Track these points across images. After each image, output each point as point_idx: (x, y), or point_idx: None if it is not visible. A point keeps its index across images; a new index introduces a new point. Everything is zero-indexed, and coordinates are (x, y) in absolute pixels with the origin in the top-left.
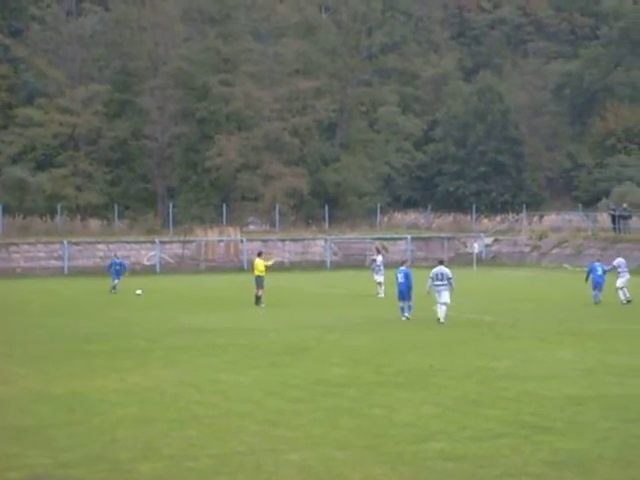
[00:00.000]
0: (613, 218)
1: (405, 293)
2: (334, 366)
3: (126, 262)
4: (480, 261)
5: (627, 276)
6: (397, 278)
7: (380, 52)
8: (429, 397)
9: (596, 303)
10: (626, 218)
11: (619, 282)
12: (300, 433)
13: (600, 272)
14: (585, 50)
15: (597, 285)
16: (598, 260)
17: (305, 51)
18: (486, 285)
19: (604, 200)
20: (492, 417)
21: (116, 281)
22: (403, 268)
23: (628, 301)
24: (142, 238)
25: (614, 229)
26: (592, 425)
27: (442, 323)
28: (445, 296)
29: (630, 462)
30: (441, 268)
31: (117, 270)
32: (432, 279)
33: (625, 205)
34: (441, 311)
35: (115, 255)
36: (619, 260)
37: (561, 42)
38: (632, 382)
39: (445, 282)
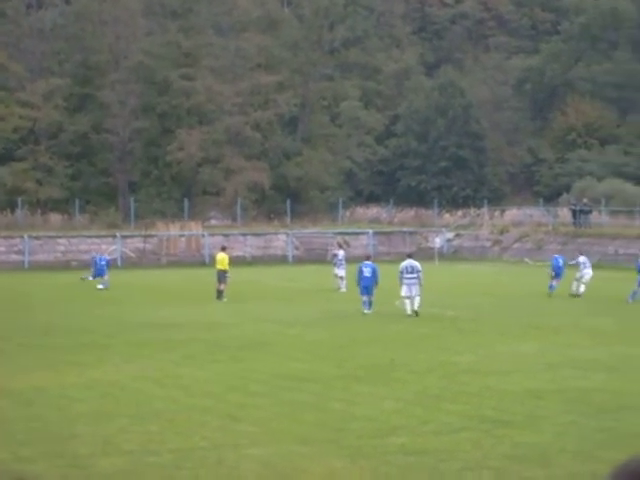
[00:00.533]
0: (573, 213)
1: (370, 288)
2: (295, 360)
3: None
4: (442, 256)
5: (590, 272)
6: (362, 272)
7: (342, 47)
8: (391, 391)
9: (550, 294)
10: (586, 213)
11: (579, 274)
12: (261, 428)
13: (561, 263)
14: (546, 45)
15: (557, 276)
16: (559, 253)
17: (267, 45)
18: (448, 280)
19: (565, 195)
20: (453, 411)
21: (99, 277)
22: (369, 262)
23: (577, 295)
24: (103, 232)
25: (574, 224)
26: (553, 419)
27: (416, 314)
28: (416, 289)
29: (590, 455)
30: (410, 261)
31: (102, 267)
32: (402, 272)
33: (585, 200)
34: (415, 303)
35: (97, 252)
36: (584, 257)
37: (522, 37)
38: (593, 376)
39: (415, 275)
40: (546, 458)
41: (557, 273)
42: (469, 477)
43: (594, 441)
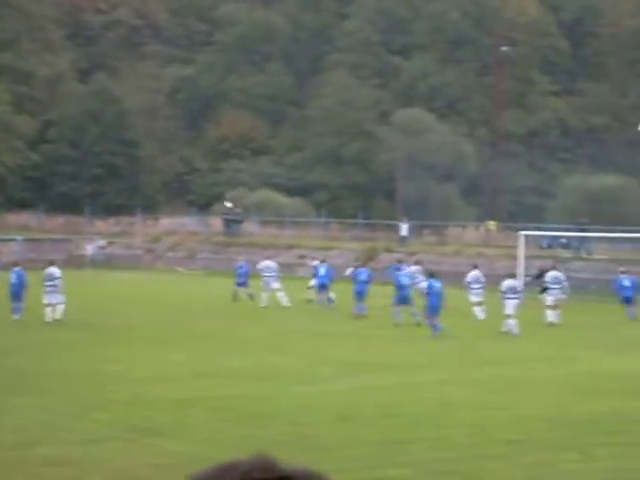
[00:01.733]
0: (225, 222)
1: (17, 294)
2: None
3: None
4: (94, 263)
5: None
6: (10, 279)
7: None
8: (38, 401)
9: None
10: (238, 222)
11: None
12: None
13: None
14: (200, 55)
15: (242, 284)
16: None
17: None
18: (100, 288)
19: (218, 204)
20: (101, 421)
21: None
22: (17, 269)
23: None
24: None
25: (226, 233)
26: (200, 427)
27: (60, 320)
28: (55, 297)
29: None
30: (51, 269)
31: None
32: (44, 280)
33: (238, 210)
34: (57, 311)
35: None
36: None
37: (177, 46)
38: (240, 384)
39: (54, 283)
40: (192, 466)
41: (243, 281)
42: None
43: (239, 448)
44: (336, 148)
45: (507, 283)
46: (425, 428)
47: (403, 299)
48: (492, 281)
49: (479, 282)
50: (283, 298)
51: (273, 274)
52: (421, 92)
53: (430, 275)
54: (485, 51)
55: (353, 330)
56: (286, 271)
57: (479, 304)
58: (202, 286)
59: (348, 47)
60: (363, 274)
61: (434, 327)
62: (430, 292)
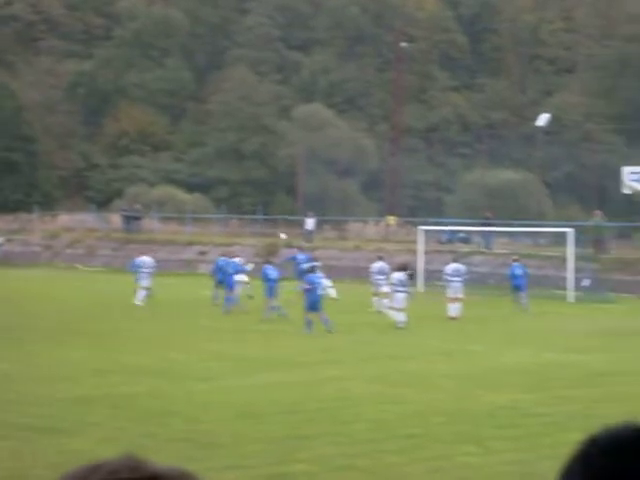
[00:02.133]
0: (125, 219)
1: None
2: None
3: None
4: None
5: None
6: None
7: None
8: None
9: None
10: (138, 219)
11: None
12: None
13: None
14: (98, 50)
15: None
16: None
17: None
18: None
19: (117, 201)
20: None
21: None
22: None
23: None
24: None
25: (126, 230)
26: (100, 425)
27: None
28: None
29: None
30: None
31: None
32: None
33: (138, 206)
34: None
35: None
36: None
37: (74, 41)
38: (140, 381)
39: None
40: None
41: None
42: None
43: (138, 446)
44: (236, 143)
45: (396, 276)
46: (325, 424)
47: (271, 292)
48: None
49: (383, 273)
50: (142, 295)
51: (148, 270)
52: (321, 87)
53: (310, 270)
54: (385, 47)
55: (252, 327)
56: (187, 268)
57: (383, 296)
58: (102, 283)
59: (248, 42)
60: (231, 267)
61: (309, 323)
62: (310, 288)
